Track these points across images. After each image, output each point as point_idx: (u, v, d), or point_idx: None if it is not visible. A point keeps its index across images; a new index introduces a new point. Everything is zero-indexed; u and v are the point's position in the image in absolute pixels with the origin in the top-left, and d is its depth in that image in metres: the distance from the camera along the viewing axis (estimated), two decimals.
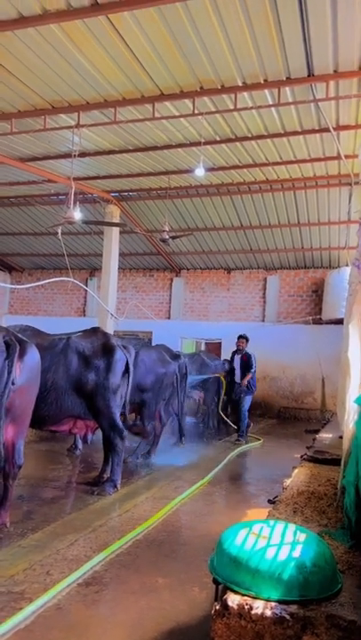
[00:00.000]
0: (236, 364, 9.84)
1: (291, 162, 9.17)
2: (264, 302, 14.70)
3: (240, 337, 9.90)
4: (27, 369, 4.12)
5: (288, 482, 4.14)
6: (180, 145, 8.69)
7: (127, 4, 5.18)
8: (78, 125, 7.72)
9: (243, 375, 9.70)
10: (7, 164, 9.62)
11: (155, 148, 8.92)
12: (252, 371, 9.61)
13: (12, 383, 3.92)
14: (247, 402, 9.69)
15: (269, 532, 2.57)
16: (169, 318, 15.31)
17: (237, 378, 9.77)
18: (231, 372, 10.12)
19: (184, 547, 4.06)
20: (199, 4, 5.17)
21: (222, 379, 10.42)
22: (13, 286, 12.00)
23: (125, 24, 5.55)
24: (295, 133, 8.00)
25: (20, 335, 4.20)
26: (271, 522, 2.80)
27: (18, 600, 3.00)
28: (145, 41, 5.83)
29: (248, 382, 9.58)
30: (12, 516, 4.23)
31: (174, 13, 5.33)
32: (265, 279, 14.77)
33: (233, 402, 10.12)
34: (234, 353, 10.09)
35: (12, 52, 6.15)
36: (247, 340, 9.89)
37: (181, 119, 7.60)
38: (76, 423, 5.50)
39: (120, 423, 5.48)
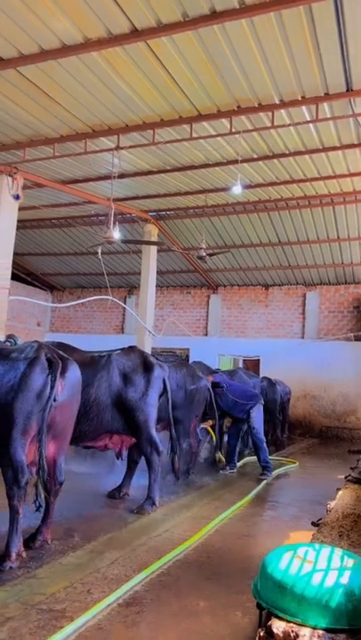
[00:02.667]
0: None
1: (330, 177, 9.08)
2: (303, 318, 14.48)
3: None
4: (68, 385, 4.18)
5: (332, 504, 4.01)
6: (218, 163, 8.76)
7: (165, 29, 5.31)
8: (118, 148, 7.91)
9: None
10: (50, 186, 9.94)
11: (192, 168, 9.03)
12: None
13: (54, 400, 3.99)
14: (258, 417, 7.65)
15: (315, 556, 2.49)
16: (206, 335, 15.28)
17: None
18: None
19: (225, 569, 3.97)
20: (236, 26, 5.25)
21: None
22: (55, 305, 12.29)
23: (164, 48, 5.69)
24: (334, 148, 7.94)
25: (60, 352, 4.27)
26: (316, 545, 2.71)
27: (59, 618, 2.99)
28: (183, 64, 5.95)
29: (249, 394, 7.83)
30: (53, 533, 4.26)
31: (212, 36, 5.43)
32: (304, 295, 14.57)
33: (236, 426, 7.91)
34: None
35: (56, 80, 6.39)
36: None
37: (219, 138, 7.67)
38: (112, 438, 5.54)
39: (157, 439, 5.50)
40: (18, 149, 8.41)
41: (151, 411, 5.45)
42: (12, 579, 3.51)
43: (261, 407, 7.77)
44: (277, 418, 11.31)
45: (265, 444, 7.56)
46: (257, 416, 7.57)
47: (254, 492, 6.42)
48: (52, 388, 3.89)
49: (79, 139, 7.94)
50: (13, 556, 3.68)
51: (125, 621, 3.04)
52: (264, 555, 2.69)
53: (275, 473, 7.71)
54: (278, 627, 2.10)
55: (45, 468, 3.78)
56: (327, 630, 2.07)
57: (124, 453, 5.82)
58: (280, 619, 2.15)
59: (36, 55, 5.85)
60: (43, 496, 3.86)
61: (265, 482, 7.21)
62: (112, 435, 5.50)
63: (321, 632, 2.07)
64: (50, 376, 3.91)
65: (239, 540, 4.71)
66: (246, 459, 8.83)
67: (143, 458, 5.63)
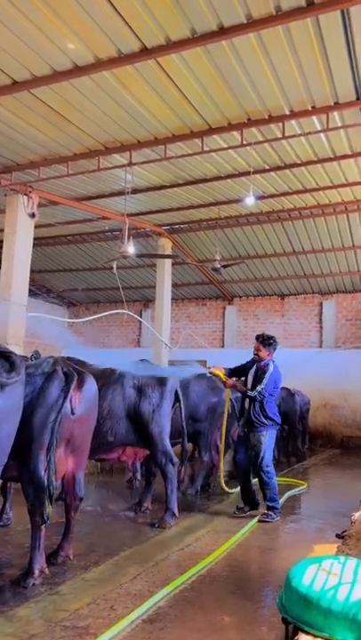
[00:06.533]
0: (250, 379, 6.02)
1: (343, 185, 9.07)
2: (321, 328, 14.37)
3: (257, 338, 6.11)
4: (85, 399, 4.19)
5: (357, 515, 3.94)
6: (230, 176, 8.81)
7: (174, 46, 5.40)
8: (130, 164, 8.01)
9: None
10: (64, 204, 10.09)
11: (204, 181, 9.09)
12: (262, 387, 5.74)
13: (72, 413, 4.00)
14: (270, 442, 5.83)
15: (340, 568, 2.45)
16: (223, 347, 15.24)
17: (257, 405, 5.85)
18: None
19: (249, 583, 3.92)
20: (244, 40, 5.31)
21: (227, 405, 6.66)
22: (71, 320, 12.41)
23: (173, 65, 5.78)
24: (346, 157, 7.93)
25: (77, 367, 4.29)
26: (341, 558, 2.66)
27: (83, 635, 2.97)
28: (193, 79, 6.03)
29: (270, 414, 5.80)
30: (75, 549, 4.24)
31: (220, 51, 5.50)
32: (321, 304, 14.48)
33: (240, 442, 6.12)
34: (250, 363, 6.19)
35: (69, 99, 6.52)
36: (269, 345, 5.97)
37: (230, 151, 7.73)
38: (125, 451, 5.55)
39: (171, 450, 5.48)
40: (33, 169, 8.57)
41: (165, 422, 5.46)
42: (36, 595, 3.50)
43: (275, 432, 6.06)
44: (297, 429, 11.19)
45: (275, 479, 5.87)
46: (269, 442, 5.82)
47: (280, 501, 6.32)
48: (65, 400, 3.88)
49: (92, 156, 8.07)
50: (36, 572, 3.67)
51: (150, 638, 3.01)
52: (288, 568, 2.65)
53: (282, 499, 6.32)
54: None
55: (54, 482, 3.75)
56: None
57: (137, 475, 5.82)
58: (307, 633, 2.12)
59: (49, 77, 5.99)
60: (48, 511, 3.80)
61: (290, 492, 6.96)
62: (125, 447, 5.51)
63: None
64: (64, 389, 3.91)
65: (262, 553, 4.64)
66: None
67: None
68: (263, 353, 5.94)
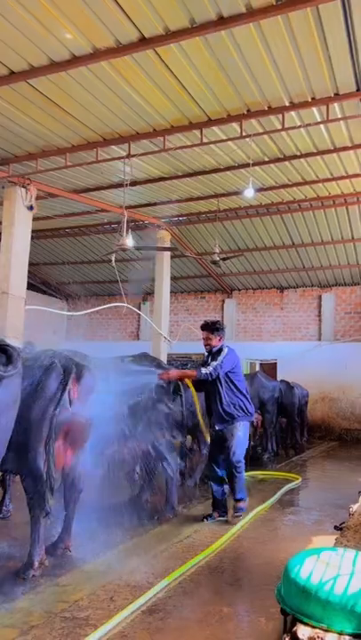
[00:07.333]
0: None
1: (342, 177, 9.02)
2: (320, 321, 14.37)
3: (203, 327, 5.57)
4: (84, 393, 4.19)
5: (355, 507, 3.96)
6: (229, 168, 8.76)
7: (173, 36, 5.34)
8: (129, 155, 7.95)
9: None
10: (63, 196, 10.04)
11: (203, 173, 9.04)
12: (217, 363, 5.20)
13: (71, 405, 4.00)
14: (243, 435, 5.37)
15: (339, 560, 2.46)
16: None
17: (224, 396, 5.30)
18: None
19: (248, 575, 3.94)
20: (244, 30, 5.26)
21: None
22: (70, 313, 12.39)
23: (172, 55, 5.72)
24: (346, 149, 7.88)
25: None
26: (340, 549, 2.67)
27: (82, 626, 2.99)
28: (192, 70, 5.97)
29: (240, 403, 5.34)
30: (74, 540, 4.26)
31: (220, 41, 5.45)
32: (320, 297, 14.47)
33: (212, 444, 5.59)
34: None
35: (66, 90, 6.46)
36: (217, 330, 5.47)
37: (229, 142, 7.67)
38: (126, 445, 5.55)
39: (172, 444, 5.49)
40: (30, 161, 8.51)
41: (165, 417, 5.44)
42: (36, 586, 3.53)
43: (249, 425, 5.63)
44: (296, 421, 11.22)
45: (244, 473, 5.47)
46: (242, 434, 5.36)
47: (275, 497, 6.36)
48: (62, 393, 3.88)
49: (90, 148, 8.01)
50: (36, 564, 3.69)
51: (149, 629, 3.03)
52: (287, 560, 2.67)
53: (277, 495, 6.40)
54: (304, 632, 2.08)
55: (53, 475, 3.76)
56: (354, 636, 2.04)
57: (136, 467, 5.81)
58: (305, 624, 2.13)
59: (47, 67, 5.93)
60: (51, 503, 3.82)
61: (289, 486, 6.93)
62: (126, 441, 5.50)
63: (348, 638, 2.05)
64: (62, 382, 3.91)
65: (261, 545, 4.66)
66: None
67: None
68: (214, 341, 5.43)
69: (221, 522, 5.22)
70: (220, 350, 5.33)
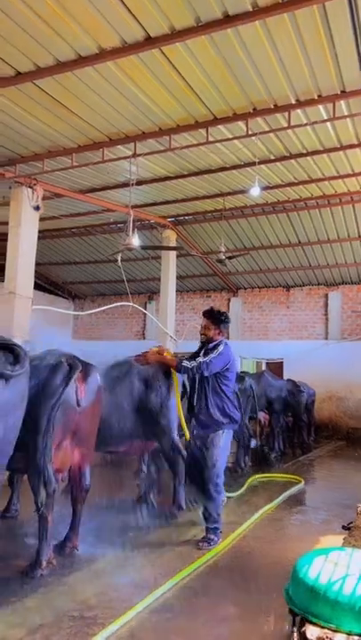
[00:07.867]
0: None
1: (349, 175, 8.97)
2: (326, 319, 14.32)
3: (205, 313, 4.94)
4: (90, 391, 4.20)
5: None
6: (235, 166, 8.74)
7: (179, 35, 5.32)
8: (135, 155, 7.95)
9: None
10: (69, 196, 10.05)
11: (209, 172, 9.02)
12: (206, 360, 4.55)
13: (78, 405, 4.02)
14: (225, 446, 4.65)
15: (347, 560, 2.45)
16: (228, 338, 15.14)
17: (210, 398, 4.65)
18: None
19: (256, 574, 3.93)
20: (250, 28, 5.24)
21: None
22: (76, 313, 12.41)
23: (178, 54, 5.71)
24: (352, 146, 7.84)
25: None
26: (348, 549, 2.66)
27: (90, 625, 3.00)
28: (197, 69, 5.96)
29: (224, 406, 4.63)
30: (82, 540, 4.27)
31: (225, 40, 5.43)
32: (326, 295, 14.41)
33: (194, 448, 4.74)
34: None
35: (72, 90, 6.47)
36: (220, 321, 4.86)
37: (235, 141, 7.65)
38: (133, 444, 5.55)
39: (179, 443, 5.48)
40: (37, 161, 8.52)
41: (173, 415, 5.45)
42: (44, 586, 3.54)
43: (232, 433, 4.90)
44: (303, 421, 11.19)
45: (223, 494, 4.81)
46: (224, 445, 4.63)
47: (282, 496, 6.34)
48: (63, 391, 3.87)
49: (96, 148, 8.01)
50: (44, 563, 3.71)
51: (157, 628, 3.03)
52: (295, 560, 2.66)
53: (279, 498, 6.11)
54: (312, 632, 2.07)
55: (49, 468, 3.76)
56: None
57: (144, 467, 5.82)
58: (314, 624, 2.13)
59: (53, 67, 5.93)
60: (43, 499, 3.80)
61: (281, 499, 6.11)
62: (133, 440, 5.51)
63: (356, 638, 2.04)
64: (66, 380, 3.90)
65: (269, 545, 4.65)
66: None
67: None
68: (212, 332, 4.75)
69: (228, 521, 5.21)
70: (215, 346, 4.66)
